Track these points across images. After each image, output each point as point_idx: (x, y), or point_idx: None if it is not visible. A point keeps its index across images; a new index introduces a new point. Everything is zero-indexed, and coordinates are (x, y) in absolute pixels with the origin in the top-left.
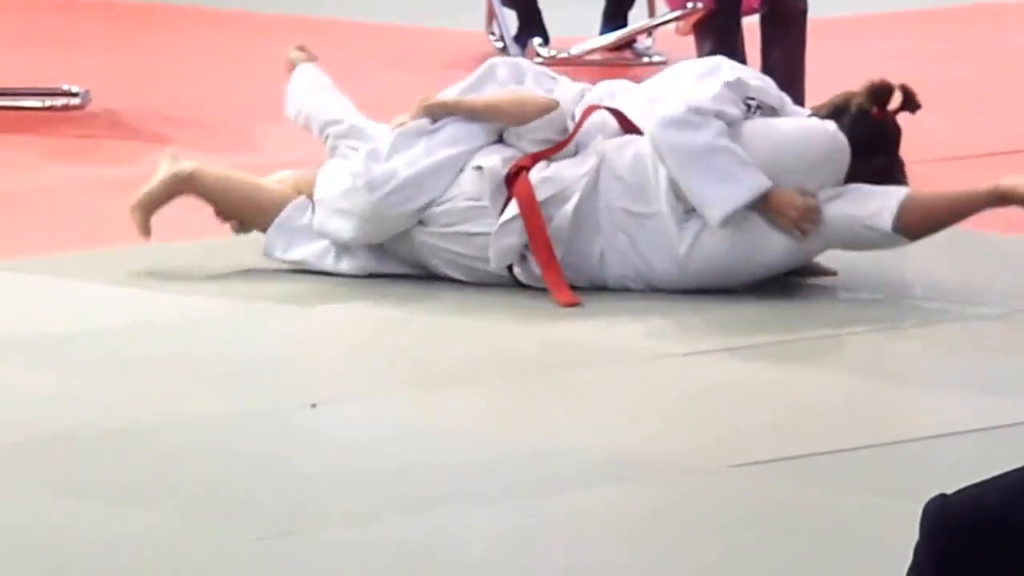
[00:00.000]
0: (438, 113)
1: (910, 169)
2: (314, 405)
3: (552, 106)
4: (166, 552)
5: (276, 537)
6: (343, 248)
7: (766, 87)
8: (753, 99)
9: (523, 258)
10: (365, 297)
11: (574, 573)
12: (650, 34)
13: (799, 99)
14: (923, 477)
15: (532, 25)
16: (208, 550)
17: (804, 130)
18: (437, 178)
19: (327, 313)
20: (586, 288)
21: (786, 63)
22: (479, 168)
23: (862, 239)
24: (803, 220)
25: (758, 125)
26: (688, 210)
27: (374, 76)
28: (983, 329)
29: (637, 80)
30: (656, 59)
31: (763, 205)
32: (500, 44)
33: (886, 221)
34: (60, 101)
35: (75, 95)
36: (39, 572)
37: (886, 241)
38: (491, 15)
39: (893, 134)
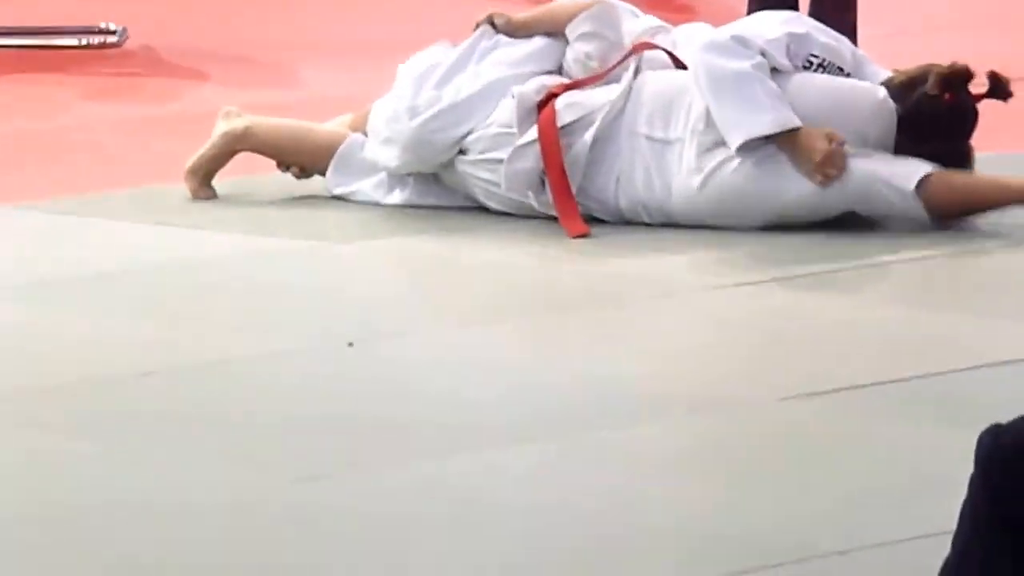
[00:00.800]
0: (500, 23)
1: None
2: (351, 344)
3: (591, 3)
4: (203, 493)
5: (314, 479)
6: (395, 179)
7: (838, 47)
8: (817, 56)
9: (542, 184)
10: (405, 231)
11: (622, 507)
12: None
13: (852, 25)
14: (977, 407)
15: None
16: (245, 491)
17: (850, 92)
18: (479, 106)
19: (366, 249)
20: (606, 221)
21: None
22: (514, 96)
23: (881, 199)
24: (826, 165)
25: (806, 79)
26: (717, 143)
27: (420, 8)
28: None
29: (688, 9)
30: None
31: (789, 145)
32: None
33: (909, 182)
34: (97, 39)
35: (112, 32)
36: (79, 512)
37: (906, 206)
38: None
39: (959, 121)
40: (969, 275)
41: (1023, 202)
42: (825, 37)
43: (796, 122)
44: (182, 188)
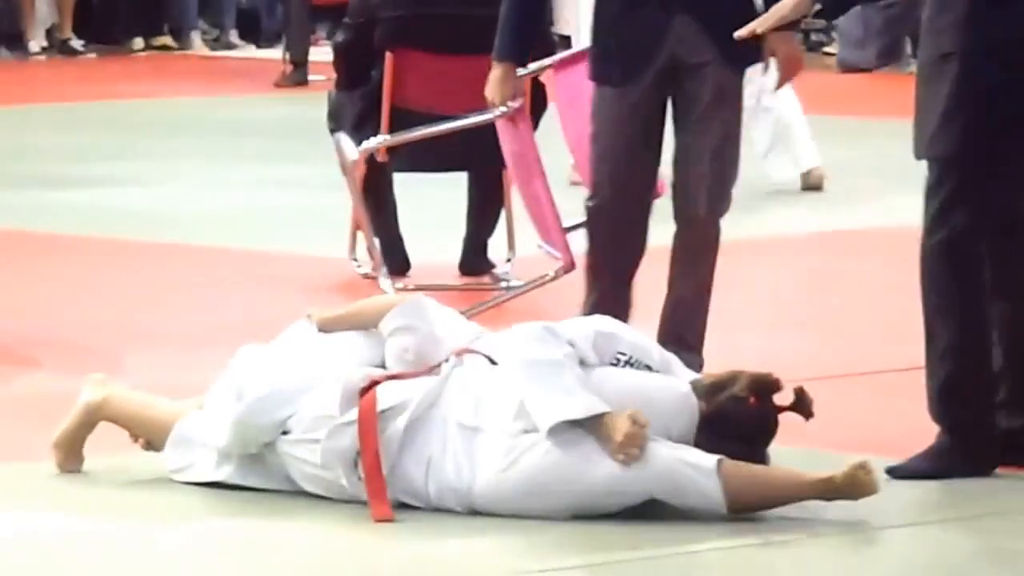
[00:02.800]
0: (328, 326)
1: None
2: None
3: (400, 300)
4: None
5: None
6: (223, 456)
7: (646, 347)
8: (624, 353)
9: (355, 465)
10: (228, 514)
11: None
12: (509, 260)
13: (700, 334)
14: None
15: (393, 254)
16: None
17: (655, 387)
18: (302, 390)
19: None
20: (418, 507)
21: (693, 293)
22: (339, 381)
23: (684, 479)
24: (627, 444)
25: (612, 372)
26: (526, 430)
27: (238, 301)
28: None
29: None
30: (513, 284)
31: (596, 428)
32: (362, 270)
33: (710, 460)
34: None
35: None
36: None
37: (707, 486)
38: (354, 241)
39: (761, 426)
40: (777, 564)
41: (814, 496)
42: (632, 336)
43: (604, 407)
44: (11, 469)
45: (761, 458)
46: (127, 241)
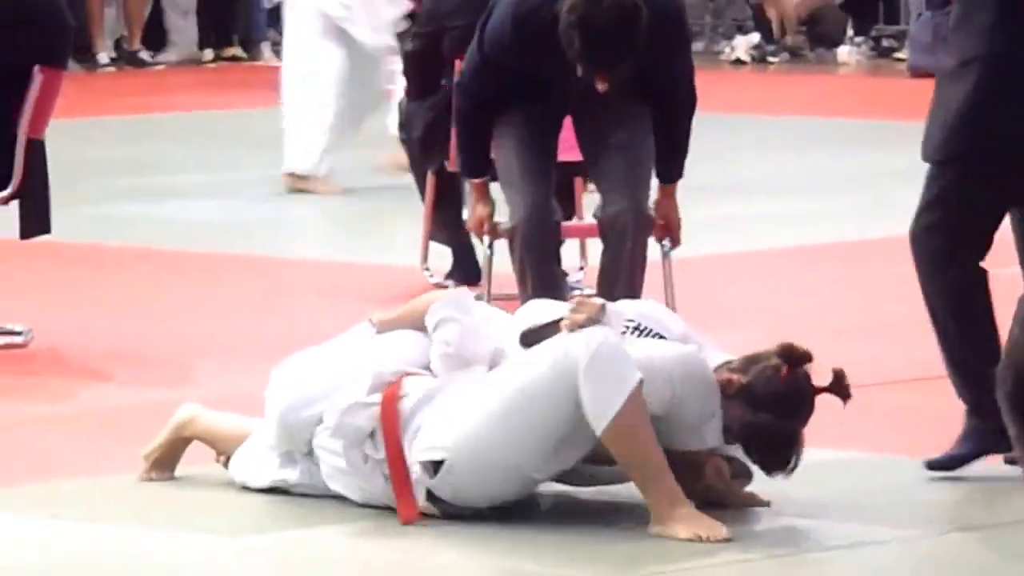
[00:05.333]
0: (385, 327)
1: None
2: None
3: (443, 296)
4: None
5: None
6: (285, 458)
7: (662, 320)
8: (632, 320)
9: (361, 445)
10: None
11: None
12: (582, 268)
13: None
14: None
15: (465, 263)
16: None
17: (656, 347)
18: (340, 386)
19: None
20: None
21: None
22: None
23: (608, 364)
24: (575, 311)
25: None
26: None
27: (312, 311)
28: (907, 551)
29: None
30: (587, 292)
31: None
32: (434, 279)
33: (637, 371)
34: (2, 340)
35: (18, 334)
36: None
37: (616, 392)
38: (426, 250)
39: (791, 397)
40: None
41: (662, 490)
42: (644, 308)
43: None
44: (87, 485)
45: (794, 434)
46: (196, 253)
